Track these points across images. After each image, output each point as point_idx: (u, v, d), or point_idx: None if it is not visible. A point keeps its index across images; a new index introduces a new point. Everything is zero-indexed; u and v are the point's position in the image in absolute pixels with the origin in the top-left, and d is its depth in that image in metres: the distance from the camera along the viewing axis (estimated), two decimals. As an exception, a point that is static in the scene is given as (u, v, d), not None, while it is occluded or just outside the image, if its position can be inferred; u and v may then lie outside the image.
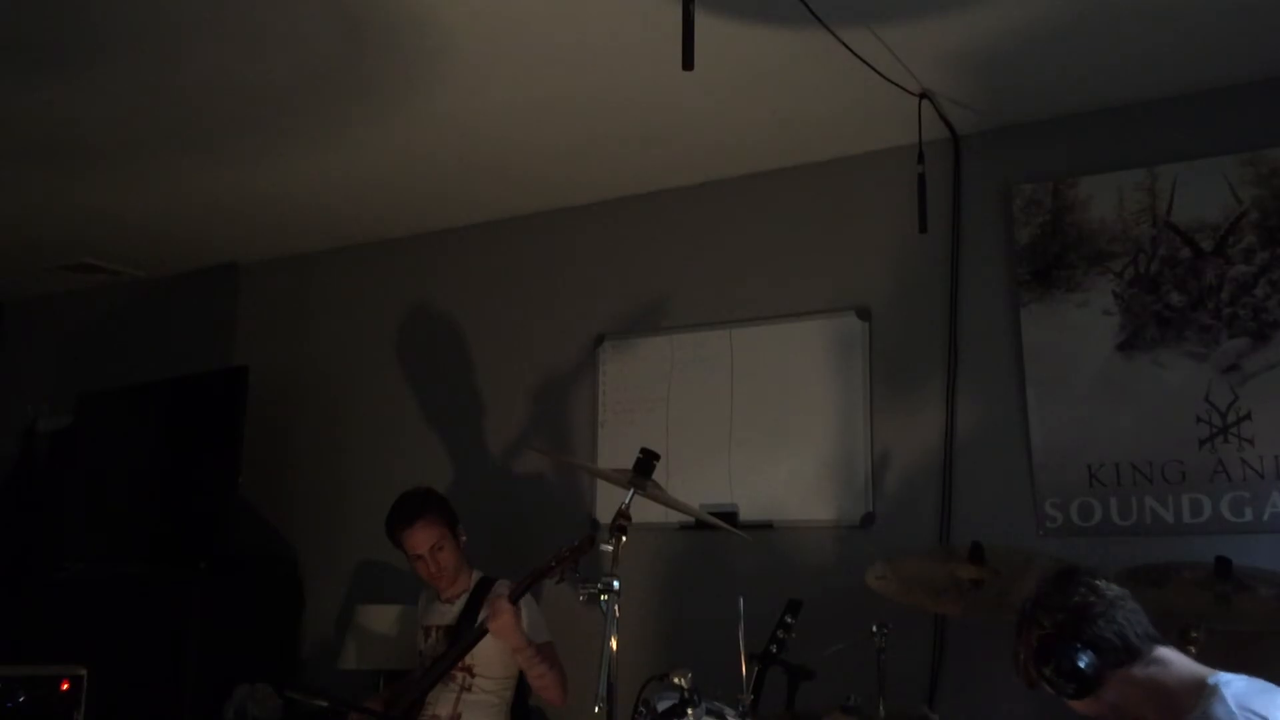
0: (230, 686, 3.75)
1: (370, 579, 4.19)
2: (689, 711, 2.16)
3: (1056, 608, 1.93)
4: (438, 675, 3.13)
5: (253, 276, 4.88)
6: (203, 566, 4.02)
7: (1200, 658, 1.90)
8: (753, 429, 3.62)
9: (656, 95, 3.21)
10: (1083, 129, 3.30)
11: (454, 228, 4.38)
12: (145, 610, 4.03)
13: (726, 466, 3.63)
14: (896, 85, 3.08)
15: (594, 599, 2.23)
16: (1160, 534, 3.00)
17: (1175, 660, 1.86)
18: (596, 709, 2.12)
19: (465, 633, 3.13)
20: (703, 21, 2.28)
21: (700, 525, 3.48)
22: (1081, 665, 1.85)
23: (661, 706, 2.20)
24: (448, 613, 3.29)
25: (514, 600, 2.97)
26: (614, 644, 2.19)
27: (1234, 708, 1.70)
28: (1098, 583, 1.95)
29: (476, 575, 3.35)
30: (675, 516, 3.53)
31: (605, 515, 3.74)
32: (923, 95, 3.18)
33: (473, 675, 3.17)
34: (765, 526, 3.51)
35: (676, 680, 2.17)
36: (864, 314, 3.52)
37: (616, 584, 2.23)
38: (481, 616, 3.06)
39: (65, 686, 3.25)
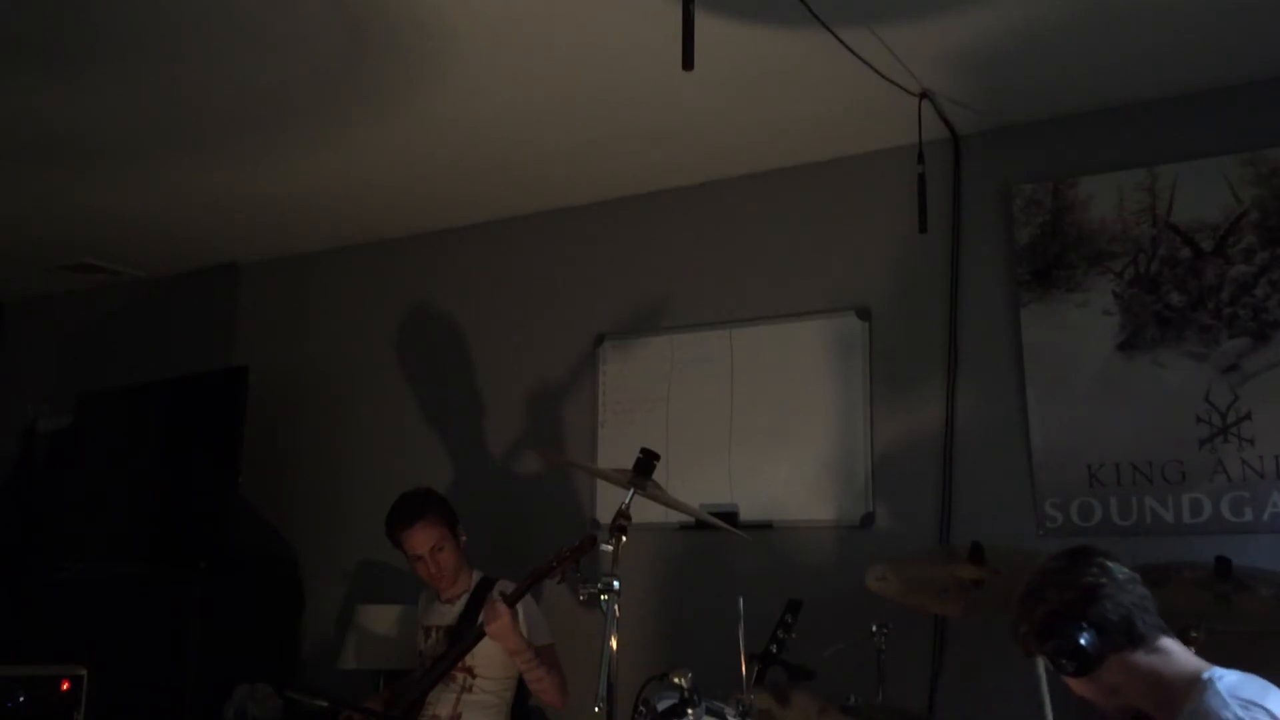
0: (230, 686, 3.75)
1: (370, 579, 4.19)
2: (689, 711, 2.15)
3: (1065, 584, 1.91)
4: (438, 675, 3.13)
5: (253, 276, 4.88)
6: (203, 566, 4.02)
7: (1200, 657, 1.90)
8: (753, 429, 3.62)
9: (657, 95, 3.21)
10: (1083, 129, 3.30)
11: (454, 228, 4.38)
12: (145, 610, 4.03)
13: (726, 466, 3.63)
14: (896, 85, 3.08)
15: (594, 599, 2.23)
16: (1160, 534, 3.00)
17: (1176, 652, 1.86)
18: (596, 709, 2.12)
19: (465, 633, 3.13)
20: (703, 21, 2.28)
21: (700, 525, 3.48)
22: (1083, 643, 1.85)
23: (661, 706, 2.20)
24: (448, 613, 3.29)
25: (512, 603, 2.97)
26: (614, 644, 2.19)
27: (1227, 698, 1.71)
28: (1109, 564, 1.93)
29: (477, 575, 3.35)
30: (675, 516, 3.53)
31: (605, 515, 3.74)
32: (923, 95, 3.18)
33: (473, 676, 3.17)
34: (765, 526, 3.51)
35: (676, 680, 2.17)
36: (864, 314, 3.52)
37: (616, 584, 2.23)
38: (481, 618, 3.06)
39: (65, 686, 3.26)
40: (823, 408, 3.51)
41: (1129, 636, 1.85)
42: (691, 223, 3.89)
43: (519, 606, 3.08)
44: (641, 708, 2.22)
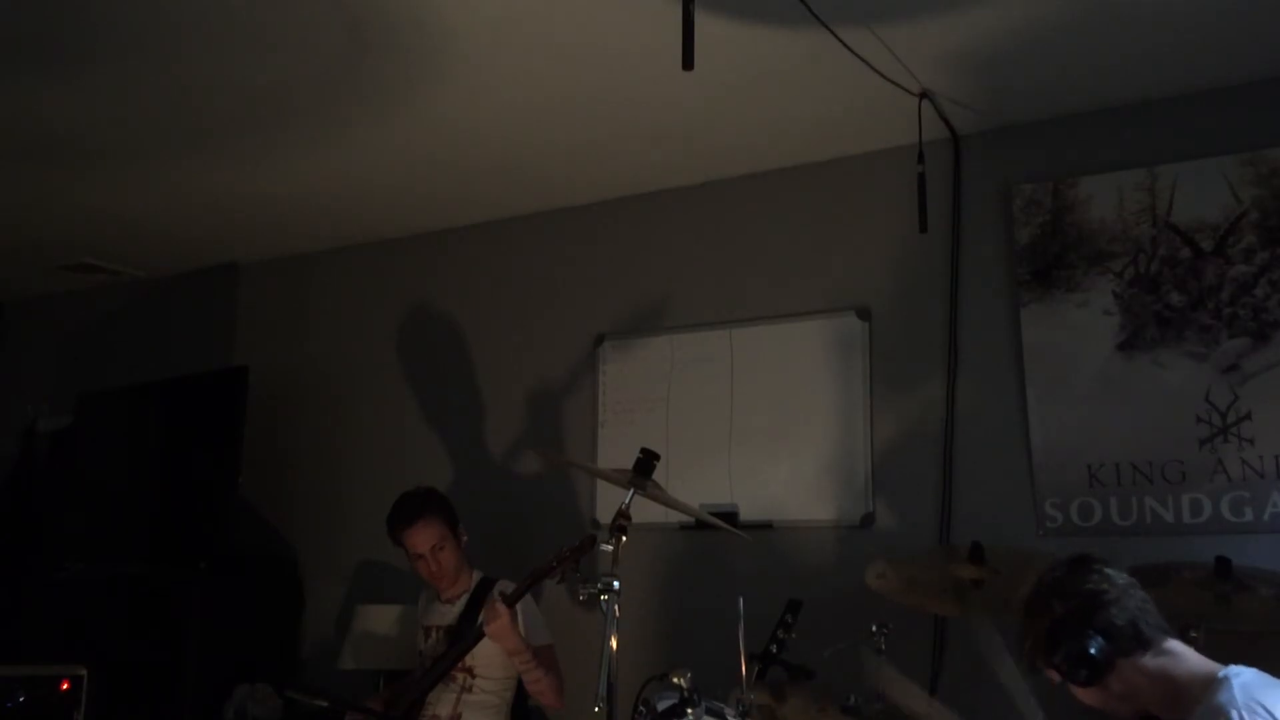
0: (230, 686, 3.75)
1: (370, 579, 4.19)
2: (689, 711, 2.16)
3: (1069, 593, 1.92)
4: (438, 676, 3.14)
5: (253, 276, 4.88)
6: (203, 566, 4.01)
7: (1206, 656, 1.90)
8: (753, 429, 3.62)
9: (656, 95, 3.21)
10: (1083, 129, 3.30)
11: (454, 228, 4.38)
12: (145, 610, 4.03)
13: (726, 466, 3.63)
14: (896, 85, 3.08)
15: (594, 599, 2.23)
16: (1160, 534, 3.00)
17: (1185, 653, 1.86)
18: (596, 709, 2.12)
19: (465, 633, 3.13)
20: (703, 21, 2.28)
21: (700, 525, 3.48)
22: (1093, 651, 1.85)
23: (661, 706, 2.20)
24: (448, 613, 3.29)
25: (512, 603, 2.97)
26: (614, 644, 2.19)
27: (1239, 697, 1.71)
28: (1108, 570, 1.94)
29: (477, 575, 3.35)
30: (675, 516, 3.53)
31: (605, 515, 3.74)
32: (923, 95, 3.18)
33: (473, 676, 3.17)
34: (765, 526, 3.51)
35: (676, 680, 2.17)
36: (864, 314, 3.52)
37: (616, 584, 2.23)
38: (481, 618, 3.06)
39: (65, 686, 3.26)
40: (823, 408, 3.51)
41: (1137, 640, 1.85)
42: (691, 223, 3.89)
43: (518, 606, 3.09)
44: (641, 708, 2.22)
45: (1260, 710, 1.69)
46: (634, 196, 4.00)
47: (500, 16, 2.76)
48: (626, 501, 2.41)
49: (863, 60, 2.91)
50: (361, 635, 3.83)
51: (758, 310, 3.69)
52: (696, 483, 3.59)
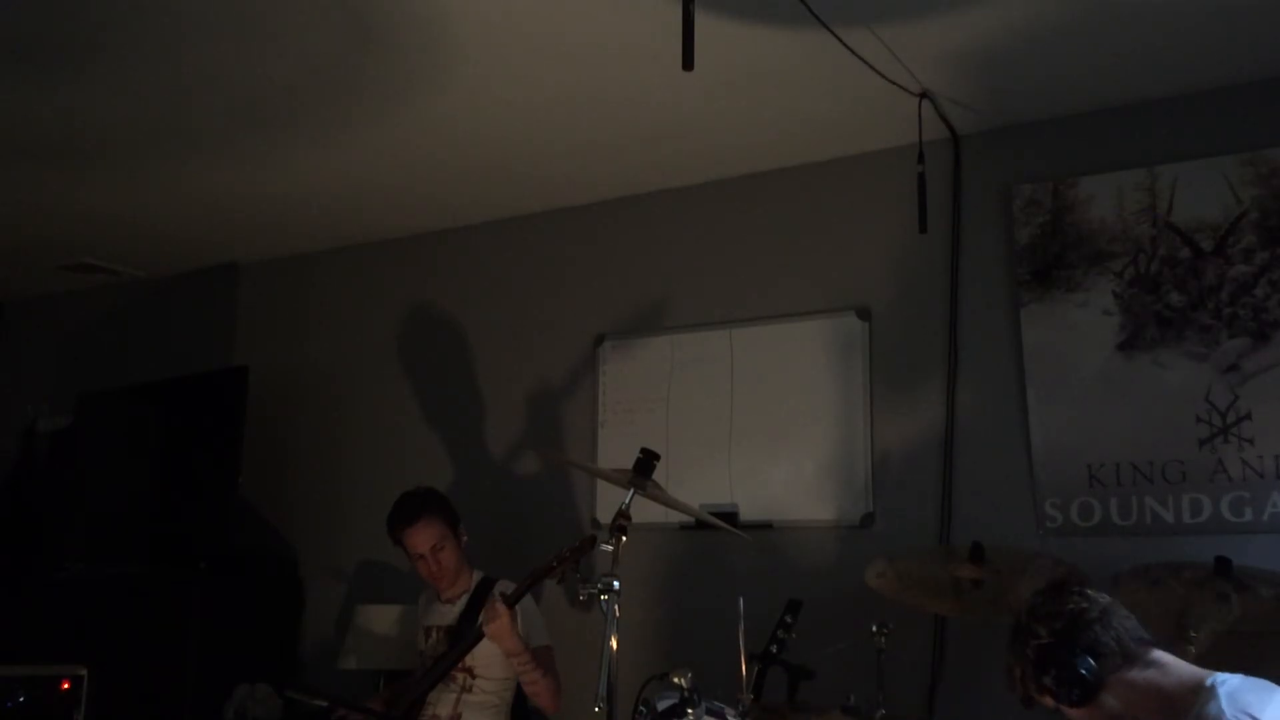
0: (230, 686, 3.75)
1: (370, 579, 4.19)
2: (689, 711, 2.15)
3: (1052, 616, 1.94)
4: (438, 676, 3.14)
5: (253, 276, 4.88)
6: (203, 566, 4.02)
7: (1200, 658, 1.91)
8: (753, 429, 3.62)
9: (656, 95, 3.21)
10: (1083, 129, 3.30)
11: (454, 228, 4.38)
12: (145, 610, 4.03)
13: (726, 466, 3.63)
14: (896, 85, 3.08)
15: (594, 599, 2.23)
16: (1160, 534, 3.00)
17: (1172, 663, 1.87)
18: (596, 709, 2.12)
19: (466, 633, 3.13)
20: (703, 21, 2.27)
21: (700, 525, 3.48)
22: (1083, 671, 1.86)
23: (661, 706, 2.20)
24: (448, 613, 3.29)
25: (512, 603, 2.97)
26: (614, 644, 2.19)
27: (1225, 706, 1.71)
28: (1089, 591, 1.96)
29: (477, 575, 3.35)
30: (675, 516, 3.53)
31: (605, 515, 3.74)
32: (923, 95, 3.18)
33: (473, 676, 3.17)
34: (765, 526, 3.51)
35: (676, 680, 2.17)
36: (864, 314, 3.52)
37: (616, 584, 2.23)
38: (481, 618, 3.06)
39: (65, 686, 3.25)
40: (823, 408, 3.51)
41: (1123, 655, 1.87)
42: (691, 223, 3.89)
43: (518, 607, 3.09)
44: (641, 708, 2.22)
45: (1245, 717, 1.69)
46: (634, 196, 4.00)
47: (500, 16, 2.76)
48: (626, 501, 2.41)
49: (863, 60, 2.91)
50: (361, 635, 3.83)
51: (758, 310, 3.69)
52: (696, 483, 3.59)
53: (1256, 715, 1.69)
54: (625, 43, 2.89)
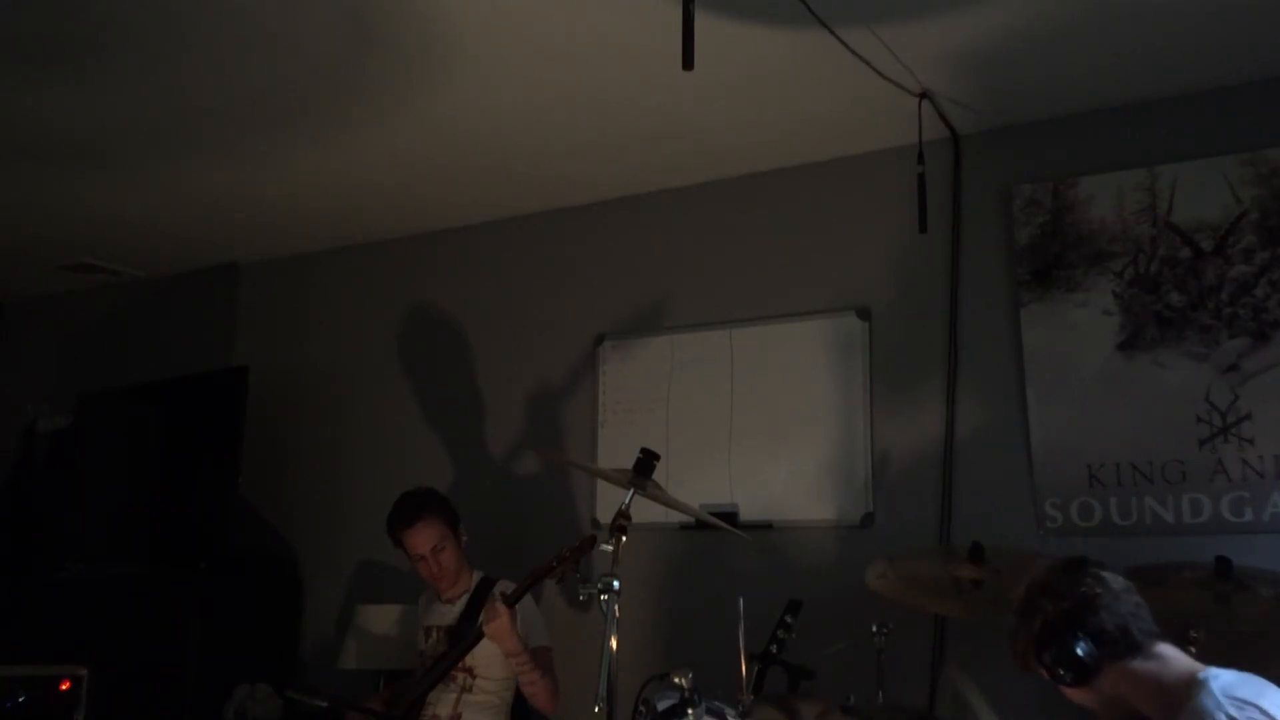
0: (230, 686, 3.75)
1: (370, 579, 4.19)
2: (689, 711, 2.15)
3: (1062, 595, 1.93)
4: (438, 676, 3.14)
5: (253, 276, 4.88)
6: (203, 566, 4.01)
7: (1200, 658, 1.91)
8: (753, 429, 3.62)
9: (656, 95, 3.21)
10: (1083, 129, 3.30)
11: (454, 228, 4.38)
12: (145, 610, 4.03)
13: (726, 466, 3.63)
14: (896, 85, 3.08)
15: (594, 599, 2.23)
16: (1160, 534, 3.00)
17: (1174, 657, 1.87)
18: (596, 709, 2.12)
19: (466, 633, 3.13)
20: (703, 21, 2.28)
21: (700, 525, 3.48)
22: (1081, 654, 1.86)
23: (661, 706, 2.20)
24: (448, 613, 3.29)
25: (512, 603, 2.97)
26: (614, 644, 2.19)
27: (1220, 697, 1.72)
28: (1104, 574, 1.95)
29: (477, 575, 3.35)
30: (675, 516, 3.53)
31: (605, 515, 3.74)
32: (923, 95, 3.18)
33: (473, 676, 3.17)
34: (765, 526, 3.51)
35: (676, 680, 2.17)
36: (864, 314, 3.52)
37: (616, 584, 2.23)
38: (481, 618, 3.06)
39: (65, 686, 3.26)
40: (823, 408, 3.51)
41: (1126, 645, 1.87)
42: (691, 223, 3.89)
43: (517, 607, 3.08)
44: (641, 708, 2.22)
45: (1248, 706, 1.70)
46: (634, 196, 4.00)
47: (500, 17, 2.76)
48: (626, 501, 2.41)
49: (863, 60, 2.91)
50: (361, 635, 3.83)
51: (758, 310, 3.69)
52: (696, 483, 3.59)
53: (1257, 703, 1.70)
54: (625, 43, 2.89)
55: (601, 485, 3.83)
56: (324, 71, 3.06)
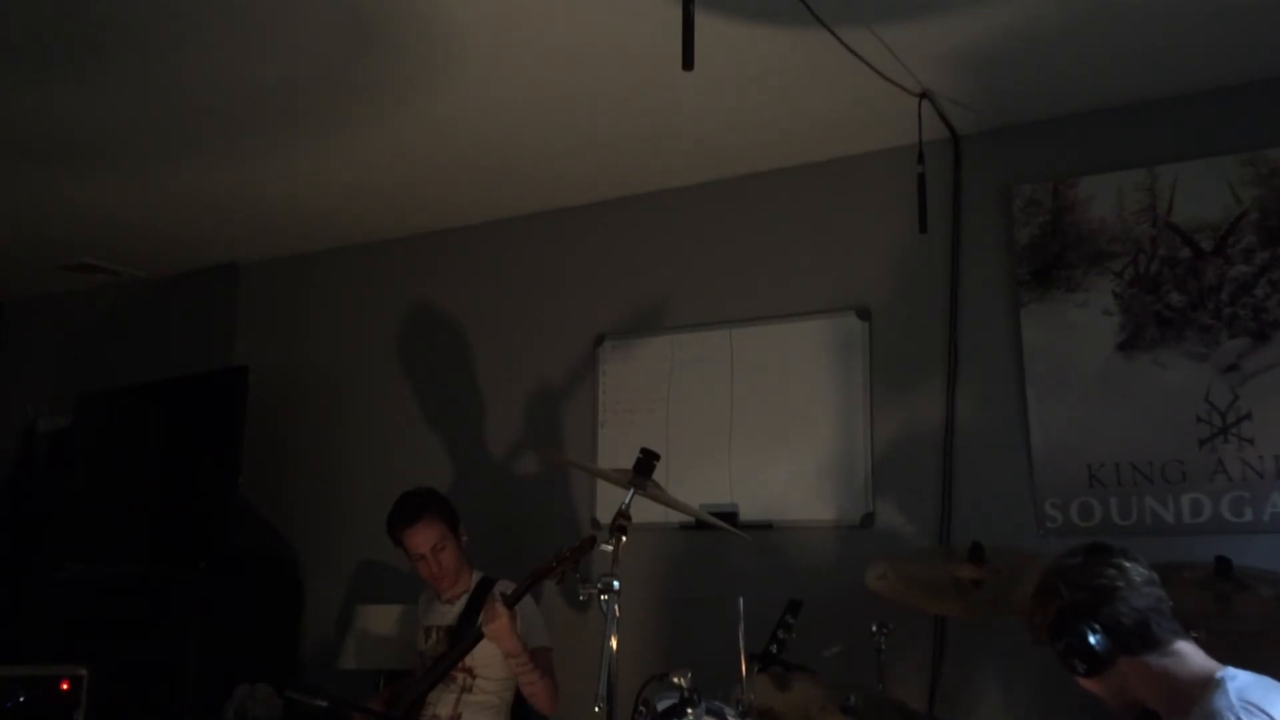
0: (230, 686, 3.75)
1: (370, 579, 4.19)
2: (689, 711, 2.15)
3: (1079, 583, 1.90)
4: (438, 676, 3.14)
5: (253, 276, 4.88)
6: (203, 566, 4.02)
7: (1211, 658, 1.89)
8: (753, 429, 3.62)
9: (656, 95, 3.21)
10: (1083, 129, 3.30)
11: (454, 228, 4.38)
12: (145, 610, 4.03)
13: (726, 466, 3.63)
14: (896, 85, 3.08)
15: (594, 599, 2.23)
16: (1160, 534, 3.00)
17: (1191, 654, 1.85)
18: (596, 709, 2.12)
19: (466, 633, 3.13)
20: (703, 21, 2.28)
21: (700, 525, 3.48)
22: (1093, 644, 1.83)
23: (661, 706, 2.20)
24: (448, 613, 3.29)
25: (511, 604, 2.97)
26: (614, 644, 2.19)
27: (1234, 700, 1.70)
28: (1127, 564, 1.91)
29: (477, 575, 3.35)
30: (675, 516, 3.53)
31: (605, 515, 3.74)
32: (923, 95, 3.17)
33: (473, 676, 3.17)
34: (765, 526, 3.51)
35: (676, 680, 2.17)
36: (864, 314, 3.52)
37: (616, 584, 2.23)
38: (481, 618, 3.06)
39: (65, 686, 3.26)
40: (823, 408, 3.51)
41: (1142, 640, 1.84)
42: (691, 223, 3.89)
43: (517, 607, 3.08)
44: (641, 708, 2.22)
45: (1257, 711, 1.68)
46: (634, 196, 4.00)
47: (500, 17, 2.76)
48: (626, 501, 2.41)
49: (863, 60, 2.91)
50: (361, 635, 3.83)
51: (758, 310, 3.69)
52: (696, 483, 3.59)
53: (1266, 709, 1.68)
54: (625, 43, 2.89)
55: (601, 485, 3.83)
56: (324, 71, 3.06)
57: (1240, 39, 2.88)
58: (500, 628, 2.95)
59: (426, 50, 2.94)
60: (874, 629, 2.67)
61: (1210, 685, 1.76)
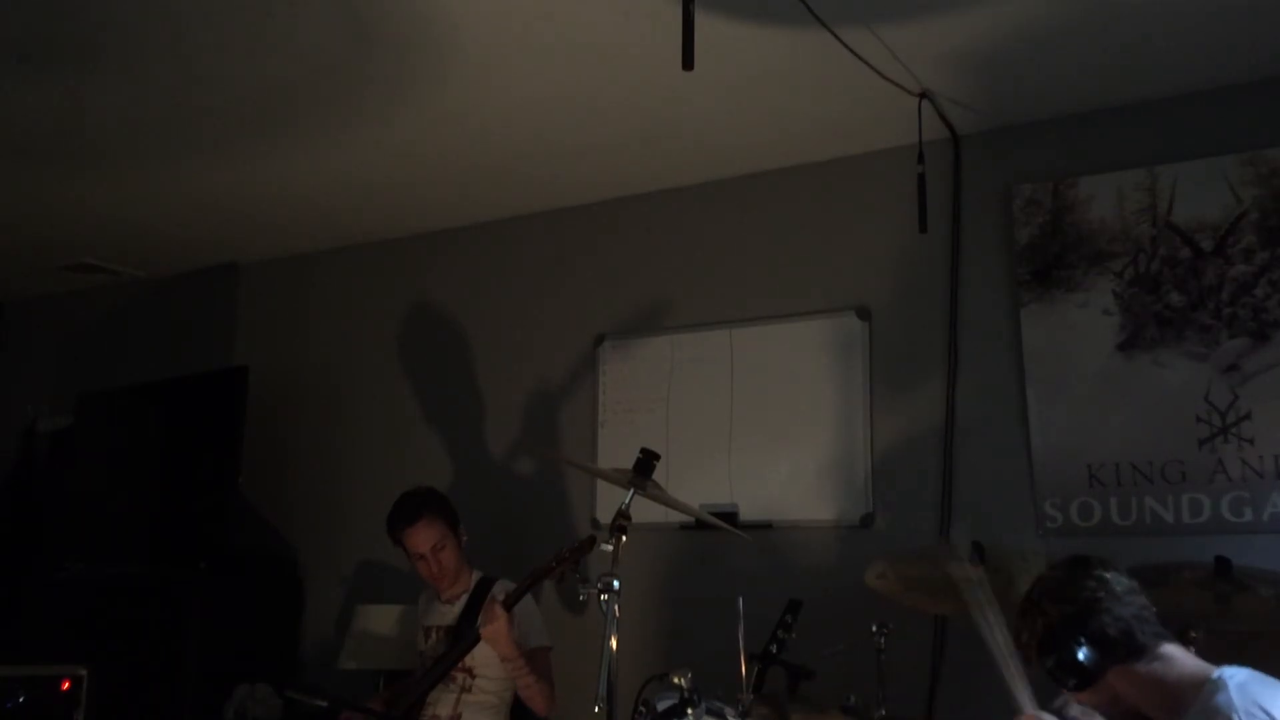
0: (230, 686, 3.75)
1: (370, 579, 4.19)
2: (689, 711, 2.16)
3: (1063, 598, 1.91)
4: (438, 676, 3.14)
5: (253, 276, 4.88)
6: (203, 566, 4.02)
7: (1200, 657, 1.90)
8: (753, 429, 3.61)
9: (656, 95, 3.21)
10: (1083, 129, 3.30)
11: (454, 228, 4.38)
12: (145, 610, 4.03)
13: (726, 466, 3.63)
14: (896, 85, 3.08)
15: (594, 599, 2.23)
16: (1160, 534, 3.00)
17: (1179, 657, 1.85)
18: (596, 709, 2.12)
19: (466, 633, 3.13)
20: (703, 21, 2.27)
21: (700, 525, 3.48)
22: (1081, 659, 1.85)
23: (661, 706, 2.20)
24: (448, 613, 3.29)
25: (510, 606, 2.97)
26: (614, 644, 2.19)
27: (1236, 698, 1.70)
28: (1108, 575, 1.93)
29: (477, 575, 3.35)
30: (675, 516, 3.53)
31: (605, 515, 3.74)
32: (923, 95, 3.17)
33: (473, 676, 3.17)
34: (765, 526, 3.51)
35: (676, 680, 2.17)
36: (864, 314, 3.52)
37: (616, 584, 2.23)
38: (479, 621, 3.06)
39: (65, 686, 3.26)
40: (823, 408, 3.51)
41: (1129, 649, 1.85)
42: (691, 223, 3.89)
43: (517, 608, 3.08)
44: (641, 708, 2.22)
45: (1260, 713, 1.68)
46: (634, 196, 4.00)
47: (500, 17, 2.76)
48: (626, 501, 2.41)
49: (863, 60, 2.91)
50: (361, 635, 3.83)
51: (758, 310, 3.69)
52: (696, 483, 3.59)
53: (1268, 709, 1.68)
54: (625, 43, 2.89)
55: (601, 485, 3.83)
56: (324, 71, 3.06)
57: (1240, 39, 2.88)
58: (497, 630, 2.95)
59: (426, 50, 2.94)
60: (874, 629, 2.67)
61: (1207, 685, 1.76)
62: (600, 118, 3.36)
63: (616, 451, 3.68)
